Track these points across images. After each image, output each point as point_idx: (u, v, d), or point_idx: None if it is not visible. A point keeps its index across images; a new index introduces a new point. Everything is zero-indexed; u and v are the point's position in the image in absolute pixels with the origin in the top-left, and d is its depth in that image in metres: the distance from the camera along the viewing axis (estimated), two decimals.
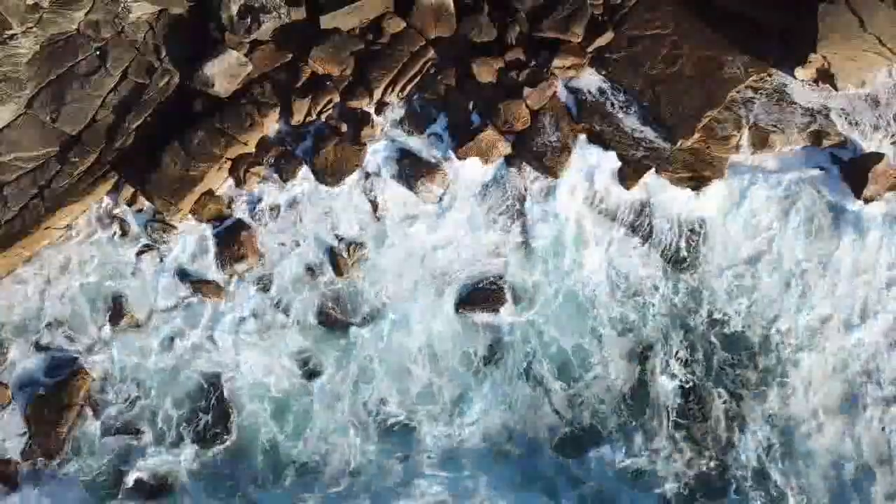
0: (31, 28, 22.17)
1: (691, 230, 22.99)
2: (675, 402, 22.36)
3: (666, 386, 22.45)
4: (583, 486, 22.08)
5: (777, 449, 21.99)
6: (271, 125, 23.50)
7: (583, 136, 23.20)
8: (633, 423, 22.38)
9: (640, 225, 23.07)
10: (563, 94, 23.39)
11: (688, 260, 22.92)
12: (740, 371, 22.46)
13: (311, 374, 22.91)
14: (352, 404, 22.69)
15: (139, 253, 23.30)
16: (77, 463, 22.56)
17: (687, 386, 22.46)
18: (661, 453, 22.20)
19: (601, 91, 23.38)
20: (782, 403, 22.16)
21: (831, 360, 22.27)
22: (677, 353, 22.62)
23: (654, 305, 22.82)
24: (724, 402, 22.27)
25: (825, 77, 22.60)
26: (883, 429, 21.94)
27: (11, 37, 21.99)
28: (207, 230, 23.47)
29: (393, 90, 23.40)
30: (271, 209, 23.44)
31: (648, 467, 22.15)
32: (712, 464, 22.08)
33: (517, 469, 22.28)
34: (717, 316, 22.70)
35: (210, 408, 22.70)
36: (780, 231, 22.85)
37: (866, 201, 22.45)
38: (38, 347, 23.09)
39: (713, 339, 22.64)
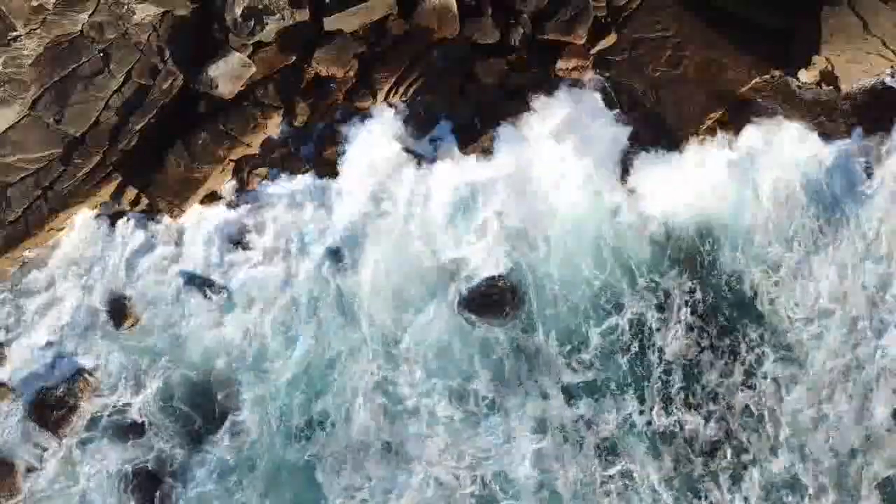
0: (35, 30, 22.17)
1: None
2: None
3: None
4: None
5: None
6: (274, 127, 23.52)
7: None
8: None
9: None
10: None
11: None
12: None
13: None
14: None
15: (142, 254, 23.29)
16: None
17: None
18: None
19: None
20: None
21: None
22: None
23: None
24: None
25: (829, 79, 22.65)
26: None
27: (15, 38, 21.98)
28: (210, 231, 23.41)
29: (396, 92, 23.44)
30: (275, 210, 23.46)
31: None
32: None
33: None
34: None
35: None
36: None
37: None
38: (41, 348, 23.05)
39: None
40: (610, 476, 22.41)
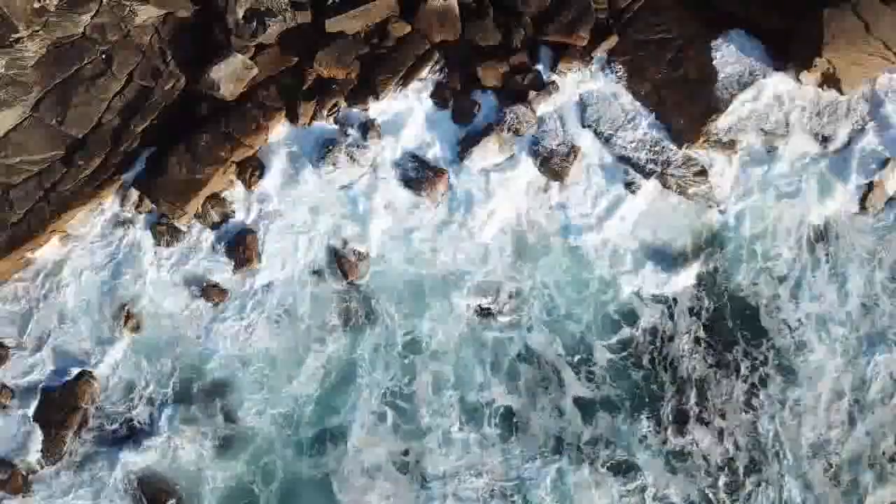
0: (38, 31, 22.14)
1: None
2: None
3: None
4: None
5: None
6: (277, 128, 23.53)
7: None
8: None
9: None
10: (568, 97, 23.46)
11: None
12: None
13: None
14: None
15: (145, 256, 23.27)
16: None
17: None
18: None
19: (606, 94, 23.40)
20: None
21: None
22: None
23: None
24: None
25: (830, 81, 22.62)
26: None
27: (18, 40, 21.94)
28: (212, 233, 23.46)
29: (398, 93, 23.42)
30: (276, 212, 23.44)
31: None
32: None
33: None
34: None
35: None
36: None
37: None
38: (44, 349, 23.05)
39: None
40: (628, 490, 22.52)
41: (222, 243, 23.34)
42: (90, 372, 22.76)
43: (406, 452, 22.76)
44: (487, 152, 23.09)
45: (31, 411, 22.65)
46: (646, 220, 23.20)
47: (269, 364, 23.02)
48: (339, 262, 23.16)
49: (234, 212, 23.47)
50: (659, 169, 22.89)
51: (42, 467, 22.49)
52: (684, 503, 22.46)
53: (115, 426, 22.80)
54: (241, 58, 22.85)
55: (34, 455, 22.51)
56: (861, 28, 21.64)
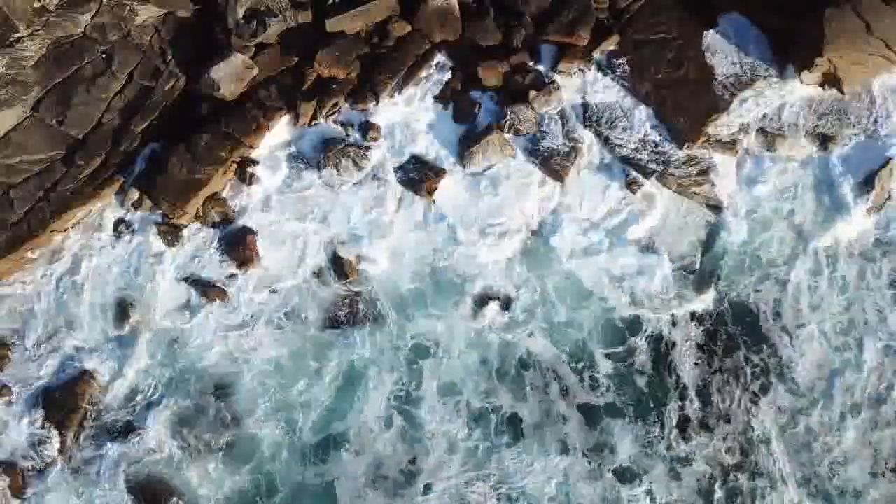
0: (38, 31, 22.19)
1: None
2: None
3: None
4: None
5: None
6: (277, 128, 23.52)
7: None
8: None
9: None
10: (569, 97, 23.44)
11: None
12: None
13: None
14: None
15: (146, 256, 23.28)
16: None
17: None
18: None
19: (606, 94, 23.36)
20: None
21: None
22: None
23: None
24: None
25: (831, 81, 22.60)
26: None
27: (18, 40, 21.99)
28: (212, 233, 23.45)
29: (398, 93, 23.43)
30: (276, 212, 23.40)
31: None
32: None
33: None
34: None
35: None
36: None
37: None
38: (44, 349, 23.04)
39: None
40: (633, 495, 22.40)
41: (222, 243, 23.32)
42: (90, 372, 22.78)
43: (413, 460, 22.69)
44: (488, 152, 23.06)
45: (32, 412, 22.66)
46: (647, 223, 23.09)
47: (271, 366, 23.00)
48: (339, 263, 23.14)
49: (234, 212, 23.44)
50: (660, 169, 22.87)
51: (44, 468, 22.45)
52: None
53: (116, 428, 22.79)
54: (242, 58, 22.87)
55: (34, 456, 22.48)
56: (862, 28, 21.62)
